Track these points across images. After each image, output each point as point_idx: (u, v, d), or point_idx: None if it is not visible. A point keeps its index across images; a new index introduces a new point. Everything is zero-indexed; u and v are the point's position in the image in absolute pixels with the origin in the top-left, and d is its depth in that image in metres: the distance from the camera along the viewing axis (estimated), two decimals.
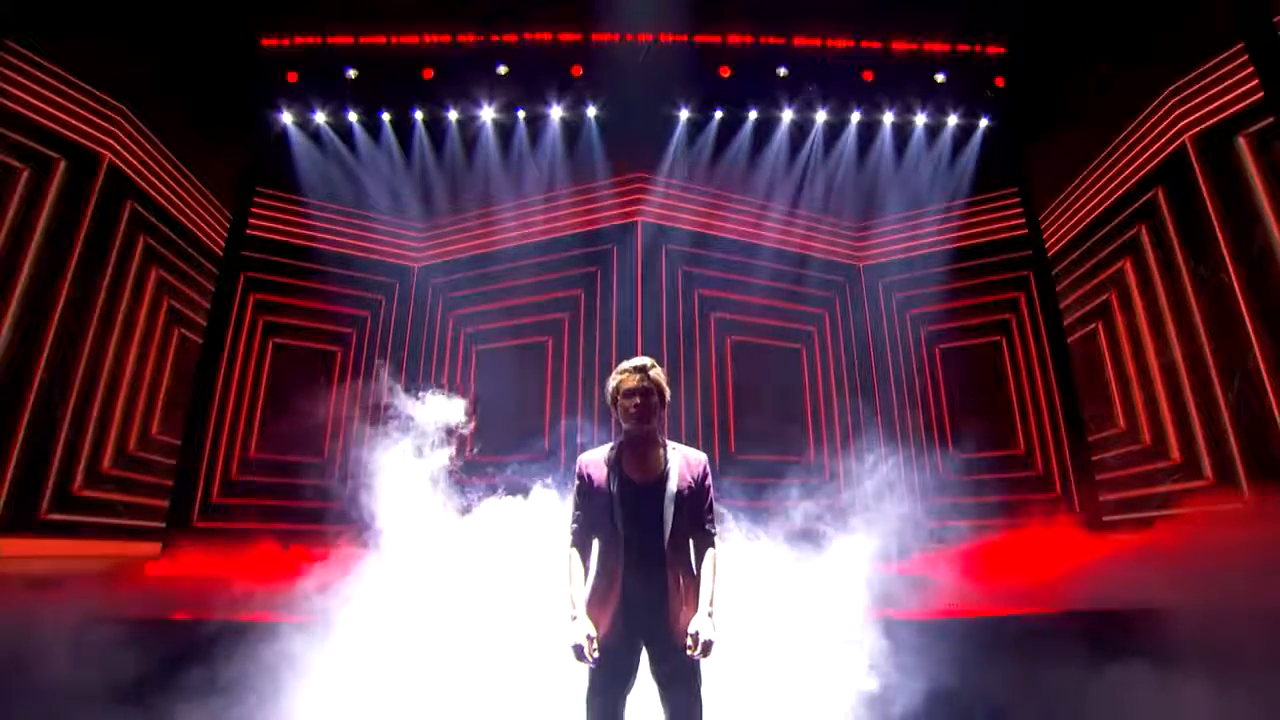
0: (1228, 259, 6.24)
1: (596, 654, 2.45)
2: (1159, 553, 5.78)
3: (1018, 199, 8.94)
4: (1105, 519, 7.36)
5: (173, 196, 7.70)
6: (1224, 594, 3.91)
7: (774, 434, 8.73)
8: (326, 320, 8.90)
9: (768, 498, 6.79)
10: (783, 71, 8.25)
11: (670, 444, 2.70)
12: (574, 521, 2.66)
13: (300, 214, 8.97)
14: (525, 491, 4.69)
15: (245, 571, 6.06)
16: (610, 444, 2.73)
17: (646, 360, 2.70)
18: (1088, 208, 7.89)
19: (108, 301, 6.81)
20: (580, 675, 2.55)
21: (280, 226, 8.92)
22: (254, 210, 8.83)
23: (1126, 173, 7.38)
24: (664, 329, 8.80)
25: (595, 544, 2.63)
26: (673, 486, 2.58)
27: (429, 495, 4.42)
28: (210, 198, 8.26)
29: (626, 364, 2.71)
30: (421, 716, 3.41)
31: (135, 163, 7.18)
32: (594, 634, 2.46)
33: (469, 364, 9.20)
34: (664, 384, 2.68)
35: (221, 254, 8.46)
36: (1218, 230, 6.34)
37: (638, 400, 2.63)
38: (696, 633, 2.43)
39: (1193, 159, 6.62)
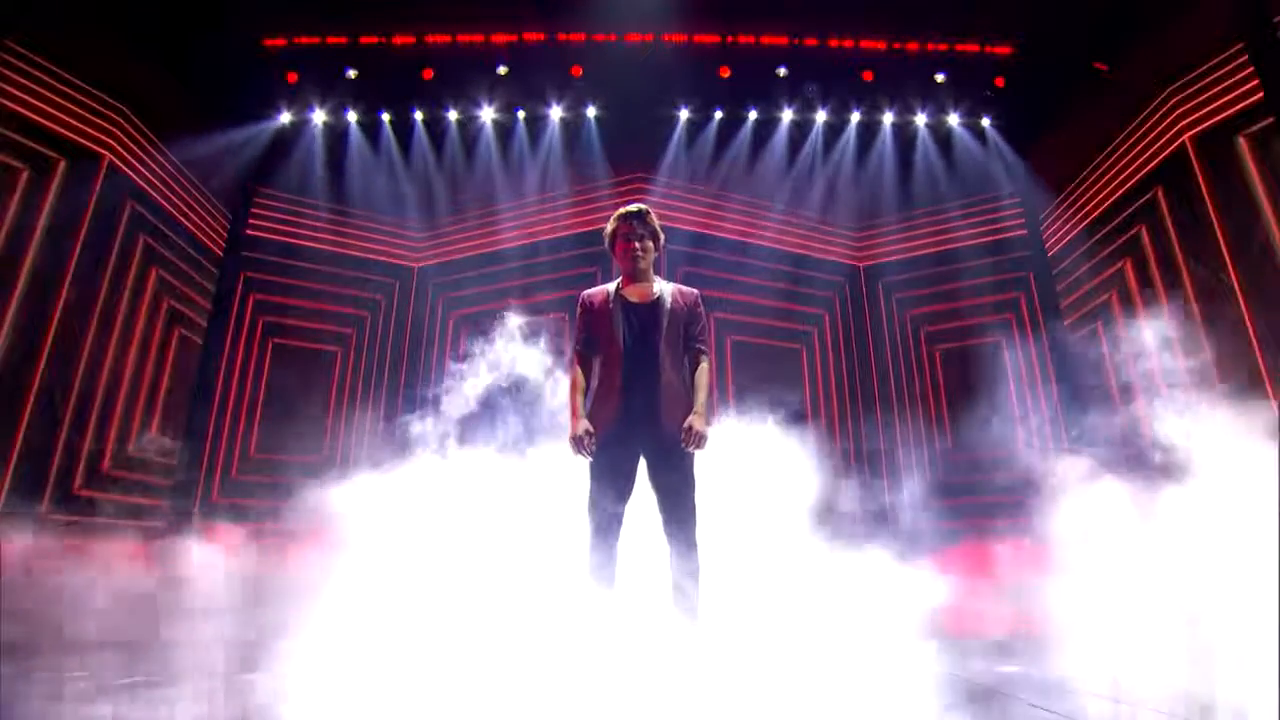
0: (1228, 259, 6.23)
1: (594, 448, 2.66)
2: None
3: (1018, 199, 8.94)
4: None
5: (173, 197, 7.71)
6: None
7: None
8: (327, 320, 8.91)
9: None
10: (783, 71, 8.24)
11: (664, 281, 2.97)
12: (577, 341, 2.90)
13: (300, 214, 8.97)
14: None
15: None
16: (608, 284, 2.97)
17: (644, 207, 2.94)
18: (1088, 208, 7.89)
19: (108, 302, 6.82)
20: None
21: (280, 227, 8.93)
22: (254, 210, 8.84)
23: (1126, 173, 7.38)
24: None
25: (596, 362, 2.85)
26: (667, 305, 2.83)
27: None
28: (210, 198, 8.27)
29: (625, 210, 2.94)
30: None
31: (135, 163, 7.19)
32: (593, 431, 2.67)
33: (470, 363, 9.20)
34: (659, 229, 2.95)
35: (221, 254, 8.47)
36: (1218, 231, 6.34)
37: (635, 244, 2.86)
38: (690, 425, 2.66)
39: (1193, 159, 6.62)
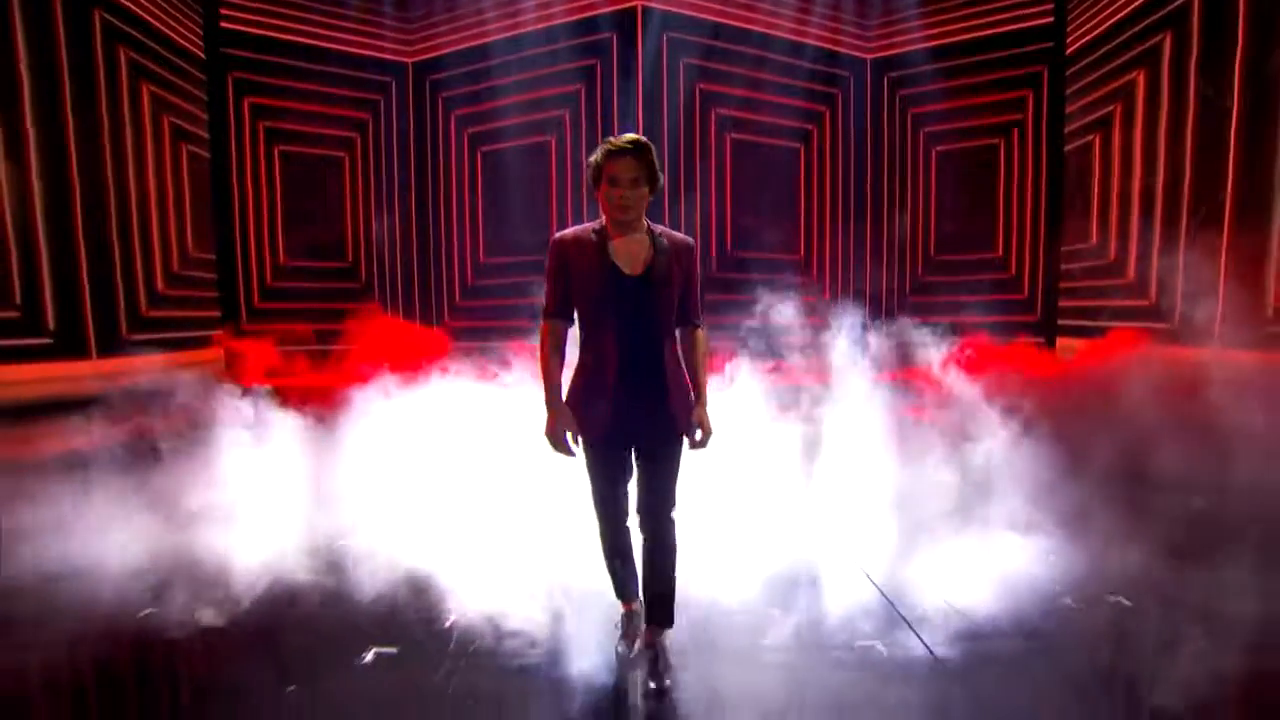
0: (1237, 83, 6.13)
1: (585, 447, 2.42)
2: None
3: None
4: (1060, 324, 8.24)
5: None
6: None
7: (770, 232, 9.21)
8: (328, 124, 8.82)
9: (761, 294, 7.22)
10: None
11: (656, 229, 2.44)
12: (550, 303, 2.45)
13: (274, 3, 8.32)
14: None
15: None
16: (590, 226, 2.43)
17: (641, 139, 2.32)
18: (1118, 3, 7.32)
19: (113, 130, 6.86)
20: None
21: (256, 18, 8.35)
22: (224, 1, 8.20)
23: None
24: (665, 125, 8.72)
25: (576, 333, 2.45)
26: (663, 276, 2.37)
27: None
28: None
29: (618, 140, 2.30)
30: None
31: None
32: (573, 426, 2.40)
33: (475, 166, 9.31)
34: (658, 169, 2.35)
35: (204, 56, 8.10)
36: (1240, 48, 6.12)
37: (624, 192, 2.30)
38: (701, 423, 2.42)
39: None
